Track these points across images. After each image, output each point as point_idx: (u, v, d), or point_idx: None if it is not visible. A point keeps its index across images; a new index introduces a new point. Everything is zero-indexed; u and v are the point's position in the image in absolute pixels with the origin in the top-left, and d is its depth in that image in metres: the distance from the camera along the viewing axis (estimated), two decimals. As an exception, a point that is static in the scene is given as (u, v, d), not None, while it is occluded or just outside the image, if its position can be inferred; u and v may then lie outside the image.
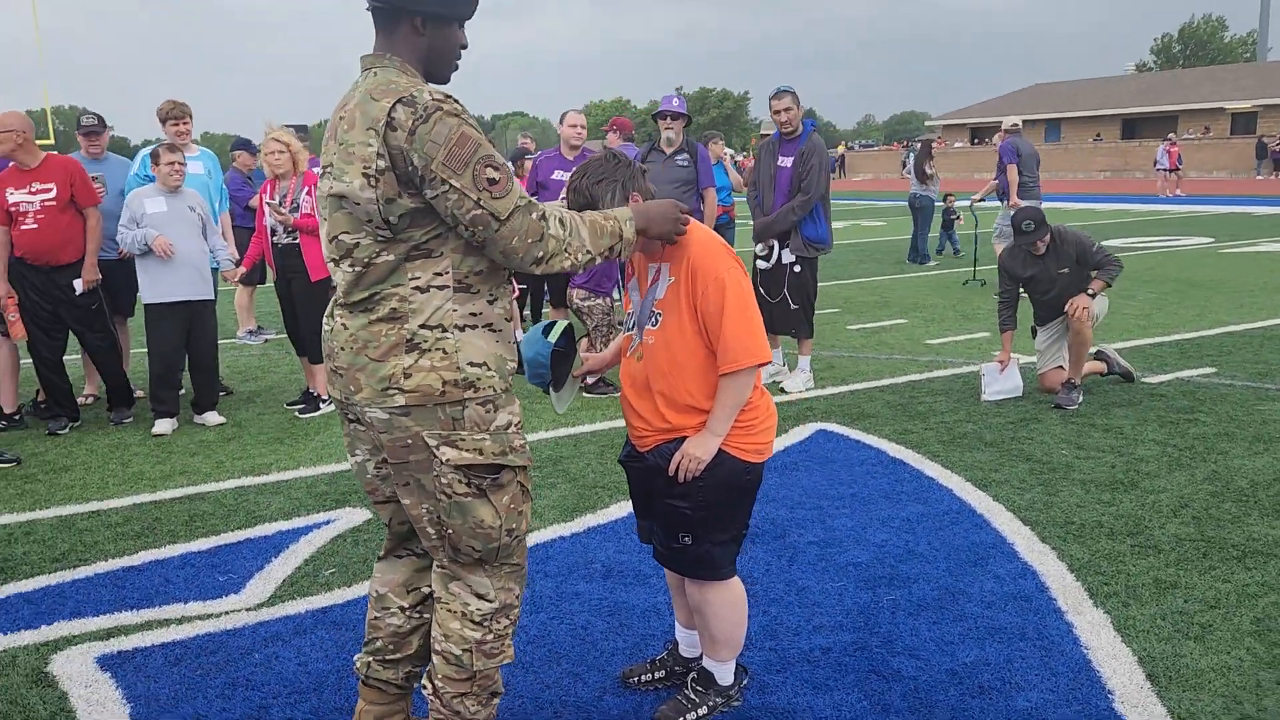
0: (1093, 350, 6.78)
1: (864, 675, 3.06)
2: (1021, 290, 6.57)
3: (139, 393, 6.98)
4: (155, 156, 6.11)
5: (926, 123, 76.26)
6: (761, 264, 6.99)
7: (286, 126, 6.80)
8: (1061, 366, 6.51)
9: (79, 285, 6.11)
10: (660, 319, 2.65)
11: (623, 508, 4.62)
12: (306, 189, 6.34)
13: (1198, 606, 3.42)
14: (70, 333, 6.36)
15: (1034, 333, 6.77)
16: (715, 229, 7.86)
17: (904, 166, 33.02)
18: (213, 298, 6.29)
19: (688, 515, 2.68)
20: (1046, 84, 65.54)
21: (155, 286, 6.04)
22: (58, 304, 6.14)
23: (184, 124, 7.11)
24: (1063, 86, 63.24)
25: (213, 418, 6.38)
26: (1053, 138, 56.68)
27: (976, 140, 60.04)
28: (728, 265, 2.58)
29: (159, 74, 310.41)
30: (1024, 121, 13.33)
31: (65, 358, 6.40)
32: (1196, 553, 3.88)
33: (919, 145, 15.45)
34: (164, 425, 6.18)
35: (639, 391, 2.72)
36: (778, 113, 6.82)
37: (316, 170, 6.57)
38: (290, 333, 6.80)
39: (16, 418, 6.41)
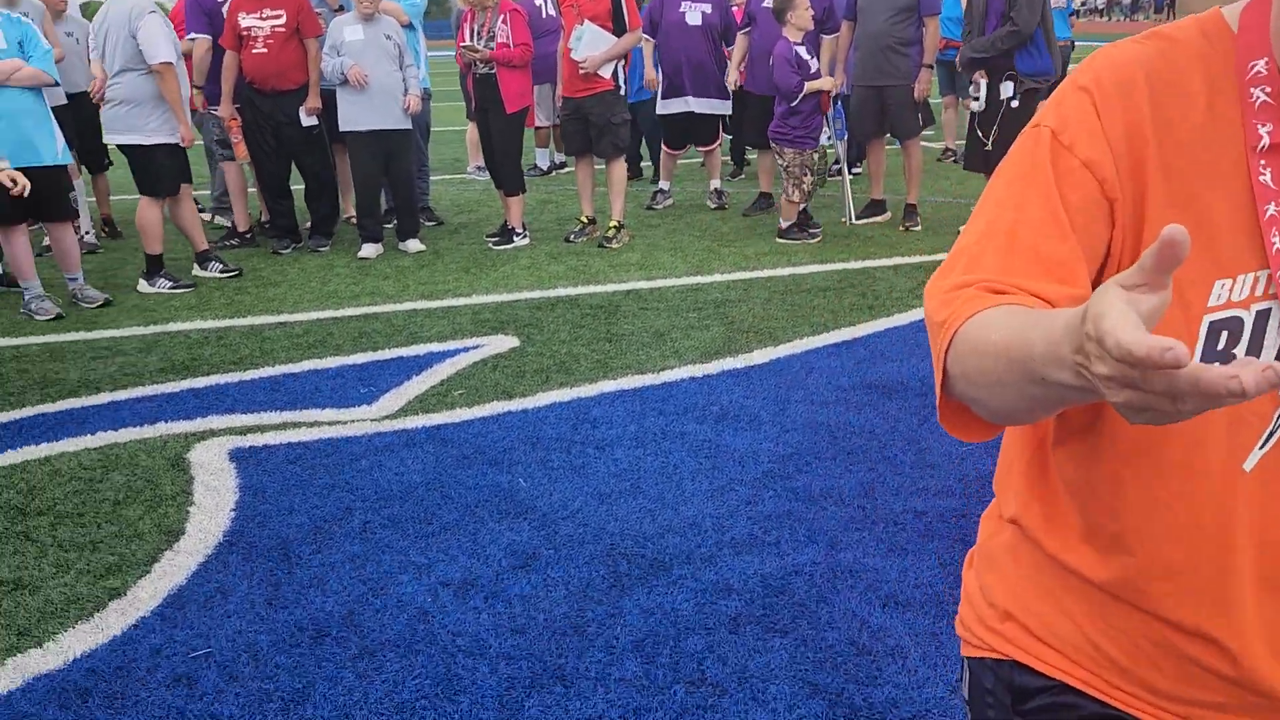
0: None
1: (949, 544, 2.79)
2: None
3: (350, 216, 7.42)
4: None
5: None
6: (974, 105, 6.29)
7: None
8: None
9: (304, 113, 6.49)
10: None
11: (765, 353, 4.44)
12: (503, 17, 6.31)
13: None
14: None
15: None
16: (936, 63, 7.15)
17: None
18: (408, 127, 6.48)
19: None
20: None
21: (352, 115, 6.29)
22: (280, 128, 6.56)
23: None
24: None
25: (413, 245, 6.69)
26: None
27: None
28: None
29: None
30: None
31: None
32: None
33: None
34: (369, 250, 6.55)
35: None
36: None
37: (514, 1, 6.53)
38: (488, 165, 6.93)
39: (248, 236, 7.02)
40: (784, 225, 6.66)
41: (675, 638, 2.42)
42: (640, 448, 3.52)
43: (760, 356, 4.42)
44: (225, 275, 6.04)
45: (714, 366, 4.31)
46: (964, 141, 7.35)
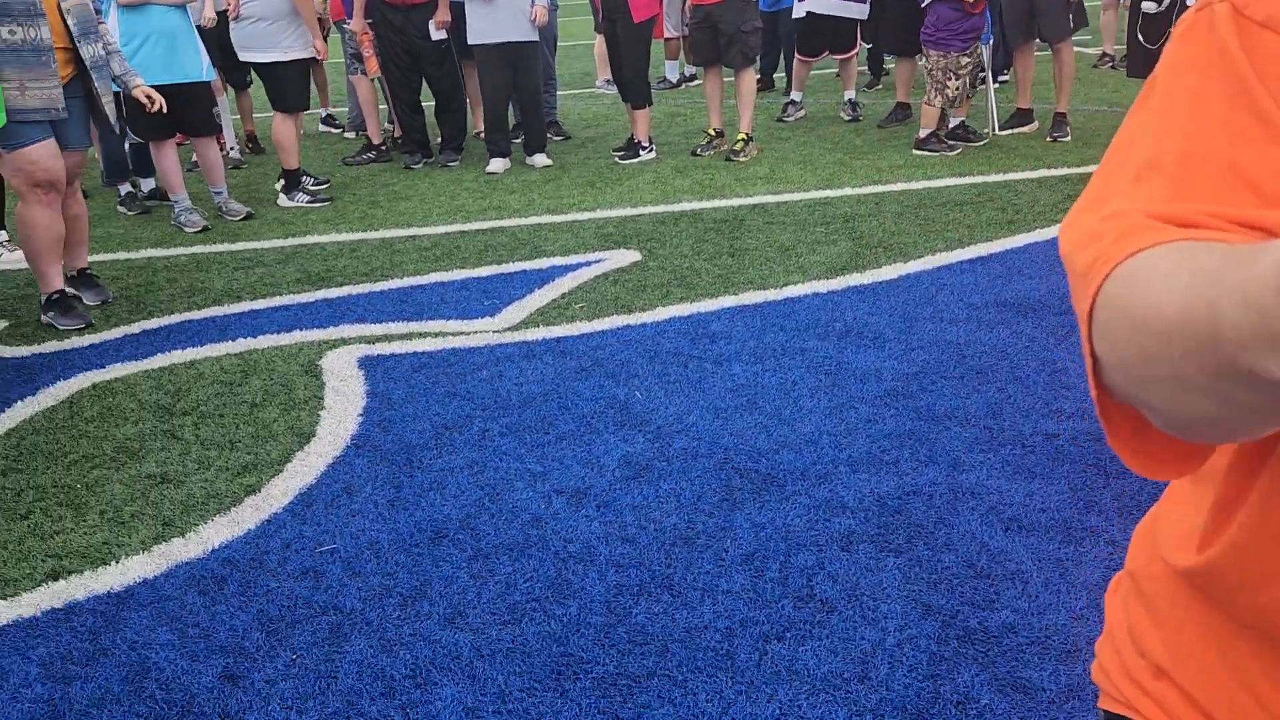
0: None
1: (1081, 469, 2.66)
2: None
3: (479, 131, 7.46)
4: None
5: None
6: (1150, 6, 5.82)
7: None
8: None
9: (433, 27, 6.52)
10: None
11: (893, 270, 4.29)
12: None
13: None
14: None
15: None
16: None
17: None
18: (535, 39, 6.43)
19: None
20: None
21: (480, 28, 6.28)
22: (411, 42, 6.61)
23: None
24: None
25: (540, 159, 6.70)
26: None
27: None
28: None
29: None
30: None
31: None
32: None
33: None
34: (497, 164, 6.59)
35: None
36: None
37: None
38: (615, 78, 6.84)
39: (383, 148, 7.16)
40: (922, 134, 6.37)
41: (785, 553, 2.40)
42: (758, 363, 3.46)
43: (888, 273, 4.27)
44: (314, 204, 6.02)
45: (839, 283, 4.19)
46: (1123, 47, 6.84)
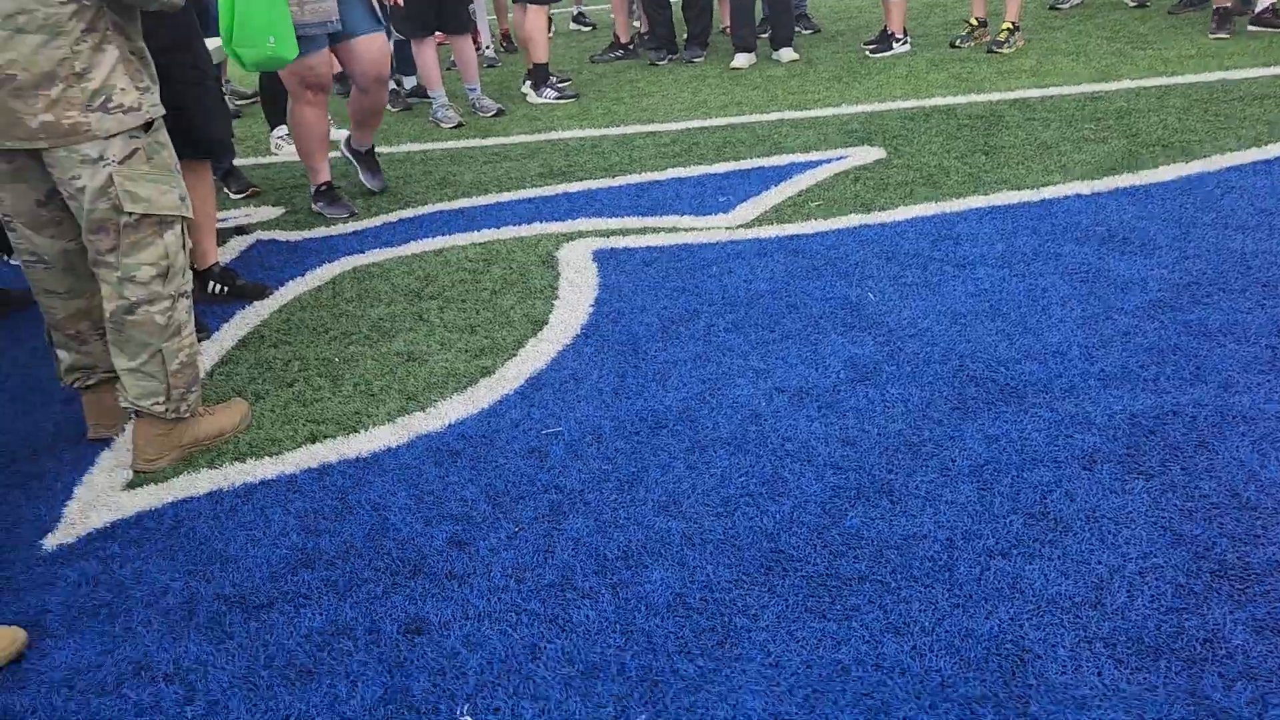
0: None
1: None
2: None
3: (725, 26, 7.28)
4: None
5: None
6: None
7: None
8: None
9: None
10: None
11: (1172, 170, 3.85)
12: None
13: None
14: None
15: None
16: None
17: None
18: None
19: None
20: None
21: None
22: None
23: None
24: None
25: (786, 54, 6.48)
26: None
27: None
28: None
29: None
30: None
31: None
32: None
33: None
34: (742, 59, 6.44)
35: None
36: None
37: None
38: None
39: (630, 46, 7.16)
40: (1259, 6, 5.61)
41: (1019, 468, 2.24)
42: (1005, 268, 3.22)
43: (1166, 174, 3.83)
44: (561, 100, 6.06)
45: (1106, 184, 3.81)
46: None
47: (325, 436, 2.65)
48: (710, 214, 3.98)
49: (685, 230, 3.84)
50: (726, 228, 3.82)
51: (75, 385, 2.71)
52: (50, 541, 2.33)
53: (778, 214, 3.89)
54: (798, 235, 3.67)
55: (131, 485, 2.53)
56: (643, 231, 3.87)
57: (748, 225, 3.82)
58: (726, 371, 2.79)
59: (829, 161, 4.42)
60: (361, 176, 4.63)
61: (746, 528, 2.14)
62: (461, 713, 1.75)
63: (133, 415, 2.59)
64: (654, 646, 1.85)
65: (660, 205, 4.14)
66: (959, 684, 1.70)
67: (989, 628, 1.81)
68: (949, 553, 2.00)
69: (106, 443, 2.74)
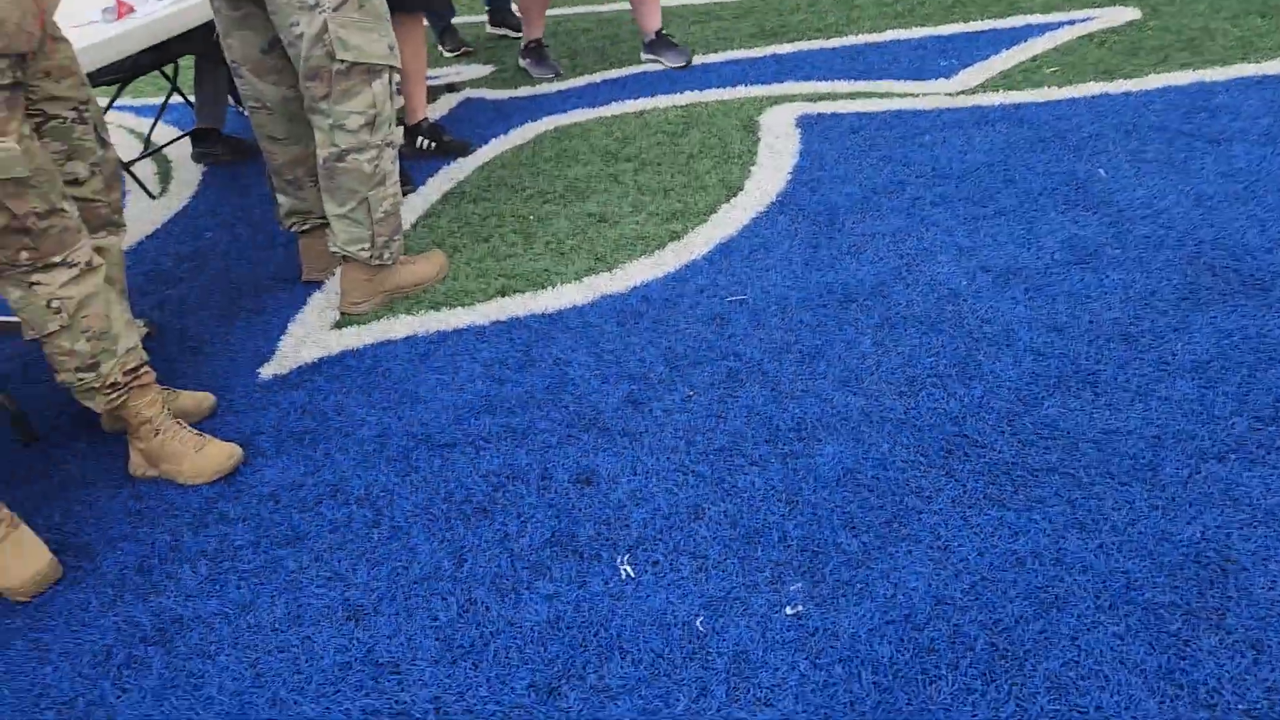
0: None
1: None
2: None
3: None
4: None
5: None
6: None
7: None
8: None
9: None
10: None
11: None
12: None
13: None
14: None
15: None
16: None
17: None
18: None
19: None
20: None
21: None
22: None
23: None
24: None
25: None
26: None
27: None
28: None
29: None
30: None
31: None
32: None
33: None
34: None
35: None
36: None
37: None
38: None
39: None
40: None
41: (1251, 367, 2.00)
42: (1269, 145, 2.84)
43: None
44: None
45: None
46: None
47: (515, 291, 2.71)
48: (929, 79, 3.71)
49: (899, 96, 3.60)
50: (946, 94, 3.55)
51: (292, 229, 2.87)
52: (266, 371, 2.52)
53: (1005, 80, 3.57)
54: (1025, 104, 3.36)
55: (338, 325, 2.68)
56: (853, 97, 3.66)
57: (970, 92, 3.53)
58: (928, 247, 2.62)
59: (1072, 23, 4.00)
60: (665, 60, 4.32)
61: (930, 409, 2.03)
62: (621, 562, 1.78)
63: (341, 260, 2.73)
64: (818, 518, 1.80)
65: (875, 69, 3.89)
66: (1146, 588, 1.57)
67: (1190, 533, 1.65)
68: (1154, 451, 1.83)
69: (318, 285, 2.91)
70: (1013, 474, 1.83)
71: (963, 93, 3.53)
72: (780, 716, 1.47)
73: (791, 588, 1.67)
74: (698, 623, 1.64)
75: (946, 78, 3.69)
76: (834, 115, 3.52)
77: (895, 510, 1.80)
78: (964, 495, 1.80)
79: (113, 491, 2.15)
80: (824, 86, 3.79)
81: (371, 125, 2.55)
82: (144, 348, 2.18)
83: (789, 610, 1.63)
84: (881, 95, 3.63)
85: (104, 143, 2.16)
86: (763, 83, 3.90)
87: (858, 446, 1.96)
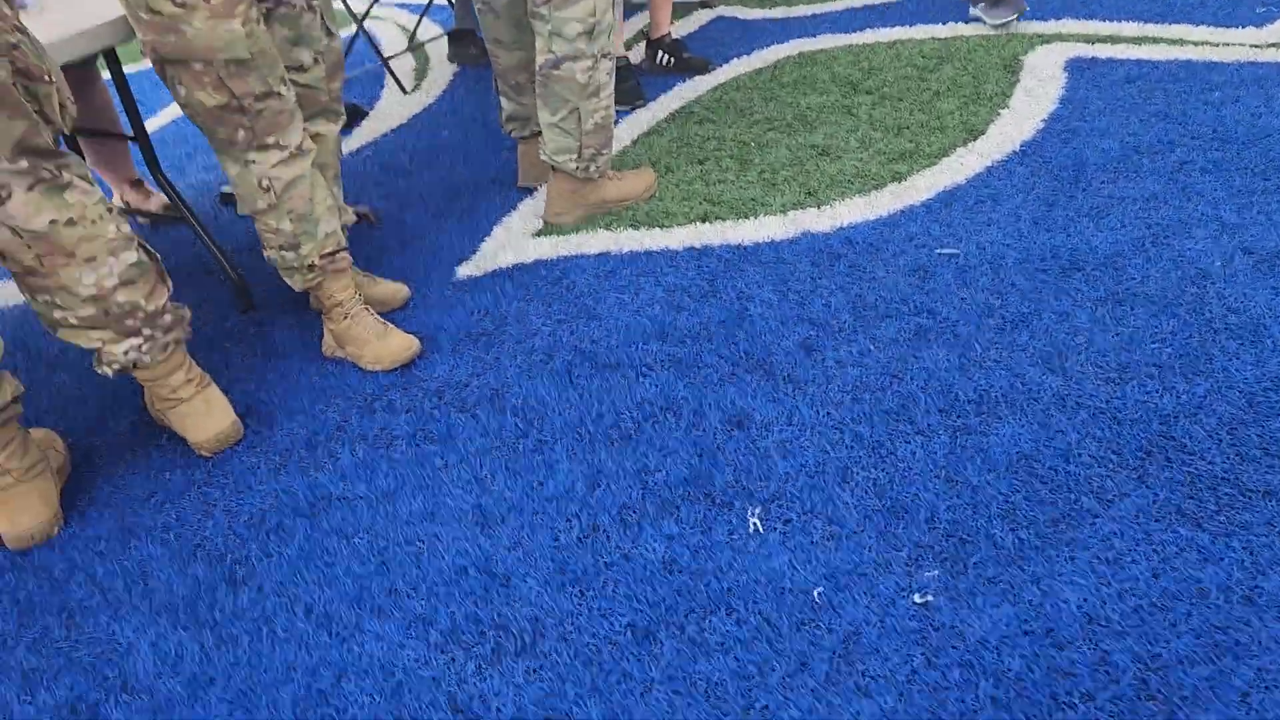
0: None
1: None
2: None
3: None
4: None
5: None
6: None
7: None
8: None
9: None
10: None
11: None
12: None
13: None
14: None
15: None
16: None
17: None
18: None
19: None
20: None
21: None
22: None
23: None
24: None
25: None
26: None
27: None
28: None
29: None
30: None
31: None
32: None
33: None
34: None
35: None
36: None
37: None
38: None
39: None
40: None
41: None
42: None
43: None
44: None
45: None
46: None
47: (716, 218, 2.61)
48: (1236, 26, 3.21)
49: (1195, 44, 3.14)
50: (1253, 45, 3.06)
51: (512, 134, 2.90)
52: (462, 271, 2.58)
53: (1332, 33, 3.04)
54: (1350, 62, 2.84)
55: (539, 234, 2.70)
56: (1138, 41, 3.23)
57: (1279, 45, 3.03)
58: (1184, 219, 2.28)
59: None
60: (985, 14, 3.95)
61: (1138, 401, 1.78)
62: (752, 514, 1.69)
63: (551, 170, 2.73)
64: (976, 503, 1.63)
65: (1172, 11, 3.41)
66: (1353, 656, 1.30)
67: None
68: None
69: (530, 191, 2.93)
70: (1219, 490, 1.57)
71: (1274, 45, 3.03)
72: (878, 711, 1.35)
73: (926, 574, 1.52)
74: (816, 593, 1.53)
75: (1259, 26, 3.18)
76: (1110, 61, 3.13)
77: (1066, 509, 1.59)
78: (1152, 505, 1.57)
79: (303, 366, 2.28)
80: (1107, 27, 3.37)
81: (590, 34, 2.50)
82: (363, 235, 2.27)
83: (917, 598, 1.49)
84: (1172, 41, 3.18)
85: (330, 33, 2.24)
86: (1039, 19, 3.52)
87: (1041, 431, 1.75)
